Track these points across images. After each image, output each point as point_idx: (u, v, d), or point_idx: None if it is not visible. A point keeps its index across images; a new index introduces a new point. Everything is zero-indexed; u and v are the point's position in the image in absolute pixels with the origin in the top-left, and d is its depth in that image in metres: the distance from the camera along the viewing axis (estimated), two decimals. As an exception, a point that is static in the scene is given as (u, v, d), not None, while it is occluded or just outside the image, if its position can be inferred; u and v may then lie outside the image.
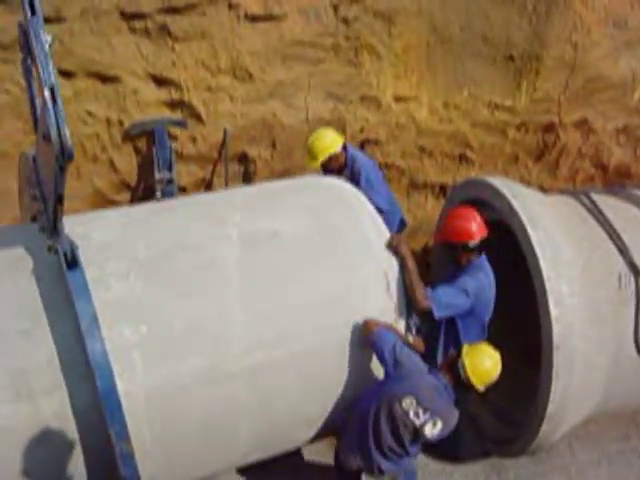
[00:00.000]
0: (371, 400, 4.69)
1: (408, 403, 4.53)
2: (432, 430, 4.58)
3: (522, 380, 6.02)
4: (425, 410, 4.54)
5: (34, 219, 4.75)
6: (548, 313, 5.25)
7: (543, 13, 6.94)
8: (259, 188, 5.62)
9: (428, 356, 5.21)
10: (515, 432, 5.97)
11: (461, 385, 4.64)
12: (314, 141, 6.17)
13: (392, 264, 4.98)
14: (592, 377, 5.50)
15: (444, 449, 5.92)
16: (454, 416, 4.69)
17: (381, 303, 4.88)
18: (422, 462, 6.02)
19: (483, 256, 5.40)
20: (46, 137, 3.58)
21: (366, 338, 4.73)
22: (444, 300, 5.15)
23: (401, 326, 4.95)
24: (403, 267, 5.00)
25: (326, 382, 4.77)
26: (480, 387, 4.63)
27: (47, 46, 3.56)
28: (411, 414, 4.54)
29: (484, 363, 4.62)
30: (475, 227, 5.30)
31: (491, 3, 6.90)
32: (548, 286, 5.27)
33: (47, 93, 3.49)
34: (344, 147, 6.22)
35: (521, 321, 5.77)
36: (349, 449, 4.87)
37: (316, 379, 4.71)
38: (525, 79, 7.25)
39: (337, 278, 4.80)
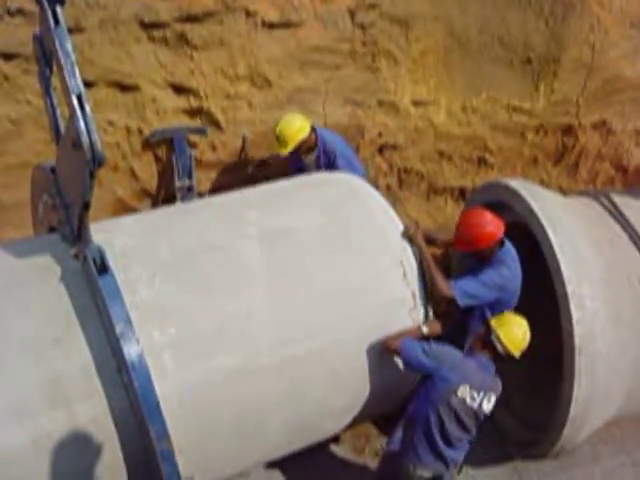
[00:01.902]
0: (426, 407, 4.82)
1: (462, 391, 4.74)
2: (488, 405, 4.83)
3: (545, 383, 6.01)
4: (478, 391, 4.76)
5: (51, 230, 4.80)
6: (569, 316, 5.25)
7: (560, 15, 6.93)
8: (272, 187, 5.65)
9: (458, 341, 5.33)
10: (538, 435, 5.96)
11: (498, 357, 4.87)
12: (283, 128, 6.21)
13: (407, 252, 5.07)
14: (614, 379, 5.48)
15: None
16: (499, 385, 4.93)
17: (399, 291, 4.97)
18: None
19: (506, 247, 5.41)
20: (75, 144, 3.62)
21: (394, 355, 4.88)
22: (467, 290, 5.24)
23: (420, 313, 5.02)
24: (421, 257, 5.08)
25: (351, 372, 4.85)
26: (517, 354, 4.87)
27: (73, 55, 3.62)
28: (468, 400, 4.75)
29: (516, 331, 4.86)
30: (494, 228, 5.29)
31: (508, 6, 6.90)
32: (569, 289, 5.27)
33: (75, 101, 3.54)
34: (312, 129, 6.30)
35: (543, 324, 5.74)
36: (417, 462, 4.92)
37: (341, 370, 4.79)
38: (543, 81, 7.24)
39: (355, 269, 4.89)
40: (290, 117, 6.30)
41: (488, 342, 4.86)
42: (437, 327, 5.05)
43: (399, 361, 4.91)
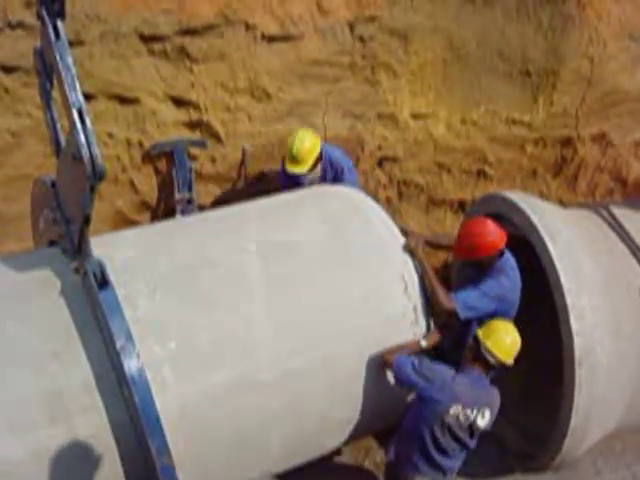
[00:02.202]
0: (419, 424, 4.82)
1: (455, 410, 4.69)
2: (483, 420, 4.77)
3: (545, 395, 6.00)
4: (471, 408, 4.71)
5: (52, 243, 4.76)
6: (569, 328, 5.25)
7: (559, 28, 6.95)
8: (272, 200, 5.66)
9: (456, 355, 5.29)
10: (538, 447, 5.94)
11: (492, 368, 4.79)
12: (300, 146, 6.05)
13: (408, 266, 5.04)
14: (614, 390, 5.49)
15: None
16: (496, 398, 4.87)
17: (400, 305, 4.94)
18: None
19: (505, 257, 5.41)
20: (76, 158, 3.62)
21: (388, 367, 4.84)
22: (468, 302, 5.22)
23: (421, 327, 5.00)
24: (422, 270, 5.07)
25: (352, 386, 4.83)
26: (510, 361, 4.79)
27: (73, 68, 3.63)
28: (461, 418, 4.70)
29: (504, 338, 4.78)
30: (495, 237, 5.31)
31: (507, 19, 6.93)
32: (569, 300, 5.27)
33: (76, 115, 3.54)
34: None
35: (543, 336, 5.76)
36: (416, 472, 4.95)
37: (342, 384, 4.77)
38: (542, 94, 7.26)
39: (356, 283, 4.87)
40: (302, 134, 6.16)
41: (478, 355, 4.79)
42: (436, 339, 5.02)
43: (391, 375, 4.88)
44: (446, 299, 5.10)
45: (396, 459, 5.12)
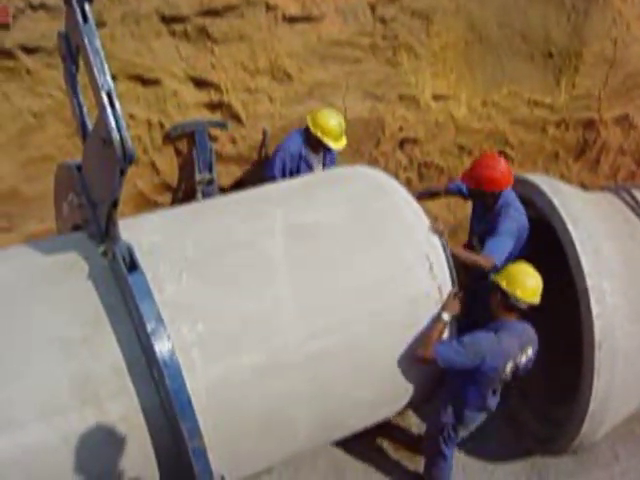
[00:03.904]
0: (478, 388, 5.08)
1: (510, 366, 4.93)
2: (525, 358, 5.02)
3: (564, 378, 6.01)
4: (519, 355, 4.93)
5: (76, 228, 4.76)
6: (589, 311, 5.24)
7: (582, 10, 6.91)
8: (295, 182, 5.67)
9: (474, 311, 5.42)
10: (557, 431, 5.96)
11: (524, 312, 4.98)
12: (342, 120, 6.25)
13: (433, 245, 5.04)
14: (634, 375, 5.48)
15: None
16: (532, 333, 5.06)
17: (425, 284, 4.95)
18: (463, 461, 6.09)
19: (506, 192, 5.69)
20: (105, 141, 3.61)
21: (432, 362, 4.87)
22: (500, 249, 5.47)
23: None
24: (450, 248, 5.15)
25: (378, 367, 4.85)
26: (538, 300, 4.97)
27: (102, 51, 3.61)
28: (513, 367, 4.96)
29: (528, 282, 4.96)
30: (501, 176, 5.62)
31: (529, 0, 6.89)
32: (589, 283, 5.26)
33: (105, 98, 3.53)
34: None
35: (563, 319, 5.76)
36: (468, 420, 5.28)
37: (368, 365, 4.79)
38: (564, 76, 7.23)
39: (381, 264, 4.88)
40: (329, 112, 6.30)
41: (508, 306, 4.95)
42: (456, 306, 4.99)
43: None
44: (485, 260, 5.39)
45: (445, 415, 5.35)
